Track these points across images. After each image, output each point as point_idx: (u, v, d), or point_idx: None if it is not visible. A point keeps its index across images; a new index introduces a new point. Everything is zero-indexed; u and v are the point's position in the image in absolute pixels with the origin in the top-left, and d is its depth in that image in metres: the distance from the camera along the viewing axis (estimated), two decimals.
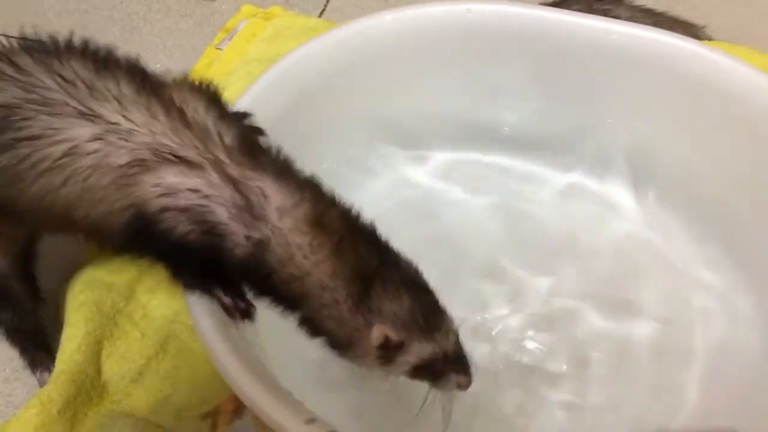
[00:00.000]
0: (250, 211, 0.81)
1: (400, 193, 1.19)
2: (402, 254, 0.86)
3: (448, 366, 0.85)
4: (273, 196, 0.82)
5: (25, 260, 1.07)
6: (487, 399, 0.98)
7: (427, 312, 0.83)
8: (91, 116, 0.82)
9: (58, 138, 0.82)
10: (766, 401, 0.90)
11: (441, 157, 1.22)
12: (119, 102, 0.83)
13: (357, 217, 0.86)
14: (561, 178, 1.18)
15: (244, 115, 0.98)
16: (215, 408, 1.02)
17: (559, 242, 1.12)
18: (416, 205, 1.17)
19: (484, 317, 1.05)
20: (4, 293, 1.06)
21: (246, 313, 0.88)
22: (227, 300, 0.86)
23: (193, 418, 1.01)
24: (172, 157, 0.81)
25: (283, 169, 0.85)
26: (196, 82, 0.92)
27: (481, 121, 1.19)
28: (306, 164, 0.95)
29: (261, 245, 0.81)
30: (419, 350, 0.83)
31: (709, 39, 1.41)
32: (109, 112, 0.82)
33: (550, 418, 0.97)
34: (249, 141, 0.88)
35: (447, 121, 1.20)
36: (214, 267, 0.85)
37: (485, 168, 1.20)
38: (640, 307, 1.06)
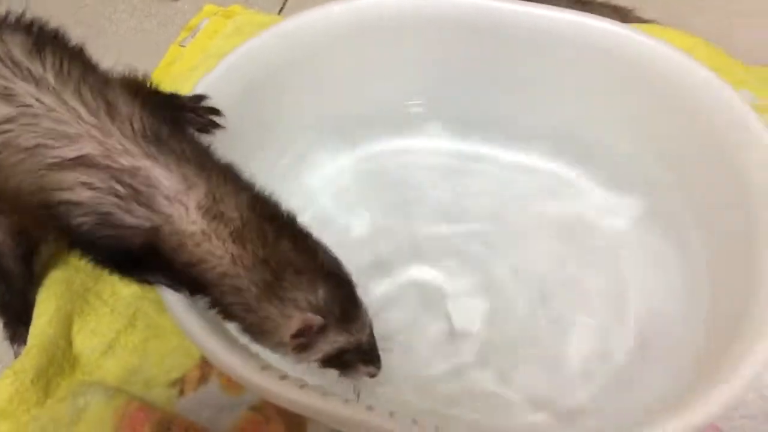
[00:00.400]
0: (138, 200, 0.82)
1: (348, 175, 1.26)
2: (322, 244, 0.88)
3: (359, 356, 0.89)
4: (162, 184, 0.83)
5: (28, 243, 1.11)
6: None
7: (343, 303, 0.85)
8: (7, 96, 0.83)
9: None
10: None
11: (388, 142, 1.28)
12: (37, 85, 0.84)
13: (269, 205, 0.87)
14: (503, 156, 1.25)
15: (199, 98, 1.05)
16: (182, 376, 1.08)
17: (497, 214, 1.20)
18: (366, 187, 1.25)
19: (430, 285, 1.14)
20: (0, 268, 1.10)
21: None
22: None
23: (162, 386, 1.07)
24: (69, 151, 0.83)
25: (185, 156, 0.85)
26: (131, 75, 0.96)
27: (425, 107, 1.27)
28: (251, 154, 1.03)
29: (152, 233, 0.83)
30: (333, 340, 0.86)
31: (640, 20, 1.50)
32: (24, 93, 0.83)
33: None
34: (164, 128, 0.87)
35: (394, 108, 1.26)
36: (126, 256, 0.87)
37: (431, 153, 1.27)
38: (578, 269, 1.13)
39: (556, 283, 1.11)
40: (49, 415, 1.01)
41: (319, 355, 0.87)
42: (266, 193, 0.89)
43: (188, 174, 0.84)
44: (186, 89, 1.08)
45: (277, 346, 0.86)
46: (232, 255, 0.83)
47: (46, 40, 0.89)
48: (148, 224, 0.83)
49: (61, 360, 1.07)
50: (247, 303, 0.84)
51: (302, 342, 0.85)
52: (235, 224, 0.84)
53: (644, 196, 1.14)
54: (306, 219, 0.91)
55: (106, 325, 1.12)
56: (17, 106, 0.83)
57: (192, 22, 1.67)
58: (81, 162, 0.83)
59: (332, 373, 0.91)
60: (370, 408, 0.78)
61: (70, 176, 0.83)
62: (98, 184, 0.83)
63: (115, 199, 0.83)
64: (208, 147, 0.92)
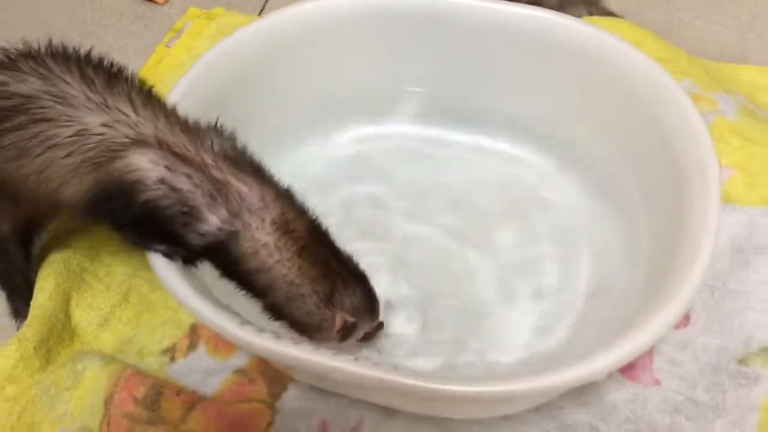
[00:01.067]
0: (227, 207, 0.94)
1: (321, 162, 1.38)
2: (349, 253, 1.03)
3: (377, 331, 1.07)
4: (248, 198, 0.95)
5: (29, 230, 1.20)
6: None
7: (370, 301, 1.03)
8: (105, 106, 0.94)
9: (70, 122, 0.94)
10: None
11: (360, 130, 1.40)
12: (131, 101, 0.96)
13: (320, 227, 1.02)
14: (465, 140, 1.36)
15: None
16: (172, 344, 1.17)
17: (461, 190, 1.32)
18: (338, 172, 1.37)
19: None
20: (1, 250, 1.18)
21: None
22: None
23: (154, 354, 1.16)
24: (170, 149, 0.94)
25: (261, 180, 0.98)
26: None
27: (393, 96, 1.37)
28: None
29: (231, 236, 0.94)
30: (364, 329, 1.04)
31: (604, 11, 1.60)
32: (122, 104, 0.95)
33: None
34: (232, 152, 1.01)
35: (364, 97, 1.36)
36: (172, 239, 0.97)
37: (400, 138, 1.38)
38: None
39: (516, 254, 1.23)
40: (51, 379, 1.11)
41: (354, 340, 1.04)
42: (315, 216, 1.03)
43: (266, 195, 0.97)
44: (172, 84, 1.18)
45: (324, 339, 1.01)
46: (299, 267, 0.97)
47: (117, 72, 1.00)
48: (229, 228, 0.94)
49: (61, 331, 1.16)
50: (308, 308, 0.98)
51: (344, 334, 1.01)
52: (301, 242, 0.97)
53: (593, 172, 1.25)
54: None
55: (102, 301, 1.21)
56: (116, 114, 0.94)
57: (177, 24, 1.77)
58: (181, 158, 0.94)
59: None
60: (335, 353, 0.87)
61: (174, 164, 0.93)
62: (196, 180, 0.94)
63: (208, 199, 0.93)
64: (267, 168, 1.03)
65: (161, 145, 0.94)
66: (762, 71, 1.53)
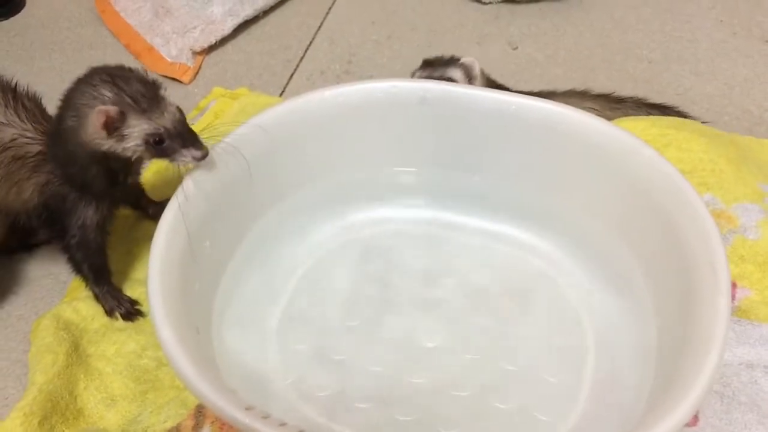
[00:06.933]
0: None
1: (333, 243, 1.39)
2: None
3: (178, 142, 1.04)
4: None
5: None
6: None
7: (135, 96, 1.02)
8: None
9: None
10: None
11: (370, 212, 1.42)
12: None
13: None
14: (472, 223, 1.38)
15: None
16: (177, 424, 1.15)
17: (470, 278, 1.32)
18: (348, 252, 1.37)
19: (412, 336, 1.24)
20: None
21: (128, 315, 1.15)
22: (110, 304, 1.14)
23: None
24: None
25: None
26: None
27: (408, 178, 1.39)
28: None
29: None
30: (140, 126, 1.02)
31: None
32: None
33: None
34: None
35: (377, 180, 1.39)
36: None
37: (405, 222, 1.40)
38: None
39: (521, 341, 1.21)
40: None
41: (139, 141, 1.04)
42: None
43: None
44: None
45: (97, 141, 1.05)
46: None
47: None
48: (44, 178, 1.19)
49: (65, 410, 1.17)
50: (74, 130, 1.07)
51: (117, 133, 1.03)
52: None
53: (604, 265, 1.24)
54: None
55: (110, 382, 1.23)
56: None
57: (202, 103, 1.82)
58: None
59: None
60: None
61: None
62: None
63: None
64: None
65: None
66: None
